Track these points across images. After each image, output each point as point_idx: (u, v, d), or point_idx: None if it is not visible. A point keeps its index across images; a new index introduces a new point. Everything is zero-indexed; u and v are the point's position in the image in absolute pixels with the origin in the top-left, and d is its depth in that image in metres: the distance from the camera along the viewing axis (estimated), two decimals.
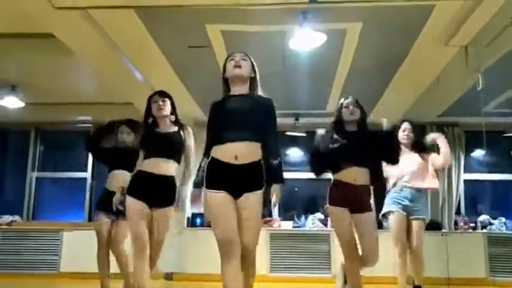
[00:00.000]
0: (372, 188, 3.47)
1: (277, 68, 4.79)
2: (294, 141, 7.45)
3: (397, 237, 4.08)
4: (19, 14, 3.79)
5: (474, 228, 6.51)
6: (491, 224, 6.50)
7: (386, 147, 3.61)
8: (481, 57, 4.25)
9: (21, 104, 6.02)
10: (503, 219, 6.48)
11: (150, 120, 3.46)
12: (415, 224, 4.13)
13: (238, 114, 2.66)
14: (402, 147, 4.20)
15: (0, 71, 5.38)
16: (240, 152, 2.58)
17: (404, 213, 4.12)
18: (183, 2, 3.46)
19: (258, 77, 2.83)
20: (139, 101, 5.58)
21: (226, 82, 2.82)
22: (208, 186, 2.60)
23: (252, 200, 2.60)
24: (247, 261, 2.63)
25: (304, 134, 7.12)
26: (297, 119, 6.83)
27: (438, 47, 4.25)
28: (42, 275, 6.34)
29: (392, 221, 4.14)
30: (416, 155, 4.27)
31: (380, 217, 4.28)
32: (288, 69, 4.91)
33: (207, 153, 2.70)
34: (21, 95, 5.88)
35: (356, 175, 3.34)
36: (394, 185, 4.22)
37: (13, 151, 7.80)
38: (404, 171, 4.17)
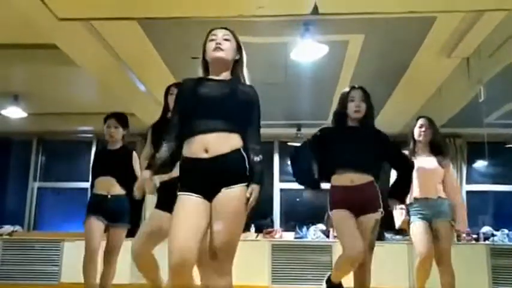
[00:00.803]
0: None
1: (279, 79, 4.81)
2: None
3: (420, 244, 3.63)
4: (22, 25, 3.80)
5: (477, 240, 6.48)
6: (493, 235, 6.47)
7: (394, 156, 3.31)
8: (483, 69, 4.26)
9: (24, 115, 6.04)
10: (506, 231, 6.46)
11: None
12: (440, 225, 3.62)
13: (209, 100, 2.22)
14: (417, 146, 3.80)
15: (3, 81, 5.41)
16: (211, 144, 2.14)
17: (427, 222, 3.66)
18: (186, 13, 3.48)
19: (244, 60, 2.39)
20: (142, 112, 5.63)
21: (206, 64, 2.36)
22: (179, 188, 2.18)
23: (229, 196, 2.12)
24: (215, 273, 2.13)
25: None
26: (299, 129, 6.84)
27: (440, 59, 4.27)
28: (42, 286, 6.31)
29: (414, 230, 3.68)
30: (433, 158, 3.77)
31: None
32: (290, 80, 4.93)
33: (169, 138, 2.28)
34: (24, 105, 5.90)
35: (352, 177, 3.04)
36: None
37: (15, 161, 7.79)
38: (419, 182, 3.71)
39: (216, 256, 2.10)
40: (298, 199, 7.34)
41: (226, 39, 2.32)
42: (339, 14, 3.50)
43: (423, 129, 3.78)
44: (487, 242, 6.40)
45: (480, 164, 7.25)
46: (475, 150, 6.87)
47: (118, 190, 3.77)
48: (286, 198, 7.23)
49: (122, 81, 4.83)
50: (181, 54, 4.32)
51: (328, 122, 6.41)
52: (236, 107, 2.24)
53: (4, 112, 5.94)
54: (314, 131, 6.89)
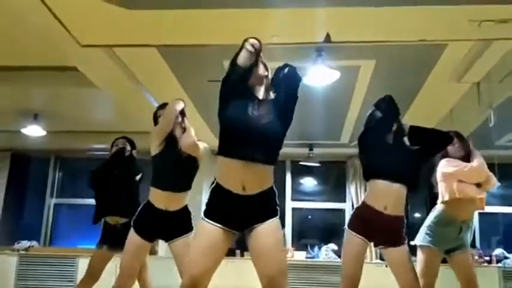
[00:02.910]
0: None
1: None
2: (308, 171, 7.52)
3: None
4: (46, 49, 3.98)
5: (489, 262, 6.44)
6: (506, 258, 6.41)
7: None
8: (493, 93, 4.30)
9: (43, 133, 6.21)
10: None
11: None
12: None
13: (253, 125, 2.16)
14: None
15: (24, 101, 5.60)
16: (249, 181, 2.12)
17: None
18: (202, 41, 3.62)
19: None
20: None
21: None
22: (205, 213, 2.19)
23: (269, 227, 2.16)
24: None
25: (318, 164, 7.20)
26: (311, 149, 6.93)
27: (450, 84, 4.34)
28: None
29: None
30: None
31: None
32: (303, 103, 4.99)
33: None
34: (43, 123, 6.06)
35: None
36: None
37: (33, 177, 7.96)
38: None
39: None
40: (310, 216, 7.38)
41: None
42: (351, 42, 3.60)
43: (457, 145, 3.51)
44: (499, 264, 6.35)
45: None
46: None
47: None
48: (298, 217, 7.29)
49: (140, 102, 4.96)
50: (197, 78, 4.45)
51: (340, 142, 6.58)
52: (276, 133, 2.20)
53: (24, 131, 6.10)
54: (326, 151, 7.02)
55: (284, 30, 3.41)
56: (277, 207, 2.24)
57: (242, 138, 2.14)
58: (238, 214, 2.14)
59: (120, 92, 4.80)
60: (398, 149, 2.98)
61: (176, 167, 3.03)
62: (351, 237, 2.91)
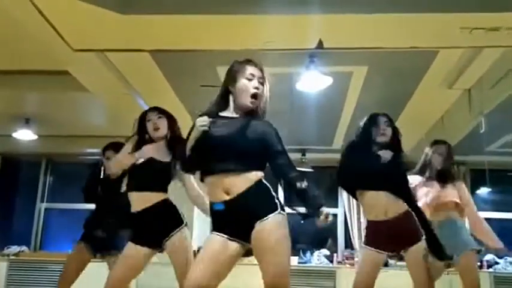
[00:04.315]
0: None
1: (285, 107, 4.91)
2: None
3: None
4: (37, 53, 3.96)
5: (480, 267, 6.46)
6: (497, 263, 6.46)
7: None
8: (484, 100, 4.34)
9: (34, 137, 6.17)
10: (509, 259, 6.42)
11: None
12: None
13: (224, 141, 2.14)
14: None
15: (16, 105, 5.56)
16: (230, 185, 2.09)
17: None
18: (196, 46, 3.61)
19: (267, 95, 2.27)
20: None
21: (227, 93, 2.25)
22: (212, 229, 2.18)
23: (265, 228, 2.05)
24: None
25: (311, 170, 7.19)
26: (303, 155, 6.93)
27: (442, 90, 4.38)
28: None
29: None
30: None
31: None
32: (295, 108, 5.03)
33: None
34: (34, 128, 6.03)
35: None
36: None
37: (23, 182, 7.90)
38: None
39: None
40: (302, 221, 7.38)
41: (260, 83, 2.21)
42: (343, 49, 3.62)
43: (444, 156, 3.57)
44: (490, 269, 6.39)
45: (483, 191, 7.28)
46: (478, 177, 6.89)
47: None
48: (290, 222, 7.24)
49: (132, 107, 4.93)
50: (190, 83, 4.45)
51: (333, 147, 6.60)
52: (250, 145, 2.13)
53: (15, 135, 6.07)
54: (319, 156, 7.03)
55: (277, 36, 3.42)
56: (276, 201, 2.12)
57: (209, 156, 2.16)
58: (234, 220, 2.10)
59: (113, 97, 4.79)
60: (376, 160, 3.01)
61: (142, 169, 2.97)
62: (365, 252, 3.02)
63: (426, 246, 2.93)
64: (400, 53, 3.76)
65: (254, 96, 2.17)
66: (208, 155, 2.14)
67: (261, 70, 2.24)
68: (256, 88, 2.18)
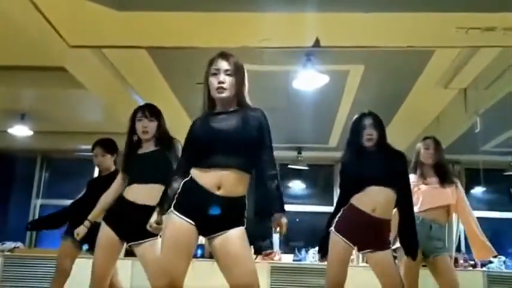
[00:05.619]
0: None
1: (281, 105, 4.93)
2: (296, 174, 7.54)
3: None
4: (33, 49, 3.92)
5: (474, 266, 6.51)
6: (490, 262, 6.49)
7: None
8: (479, 99, 4.36)
9: (30, 133, 6.15)
10: (503, 258, 6.47)
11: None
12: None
13: (223, 134, 2.18)
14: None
15: (11, 101, 5.53)
16: (224, 181, 2.14)
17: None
18: (192, 43, 3.61)
19: (246, 87, 2.32)
20: None
21: (210, 95, 2.28)
22: (175, 206, 2.16)
23: (235, 235, 2.15)
24: None
25: (306, 168, 7.21)
26: (299, 153, 6.95)
27: (437, 89, 4.40)
28: None
29: None
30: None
31: None
32: (292, 106, 5.04)
33: (178, 175, 2.27)
34: (30, 123, 6.01)
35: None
36: None
37: (19, 178, 7.87)
38: None
39: None
40: (297, 219, 7.40)
41: (228, 75, 2.22)
42: (340, 47, 3.62)
43: (430, 150, 3.59)
44: (484, 268, 6.42)
45: (478, 191, 7.32)
46: (473, 177, 6.93)
47: None
48: (287, 220, 7.24)
49: (128, 103, 4.92)
50: (186, 80, 4.44)
51: (328, 145, 6.62)
52: (249, 140, 2.19)
53: (10, 130, 6.04)
54: (315, 154, 7.04)
55: (274, 34, 3.42)
56: (245, 219, 2.23)
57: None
58: (209, 214, 2.12)
59: (109, 93, 4.78)
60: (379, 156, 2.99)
61: (142, 160, 2.99)
62: (335, 241, 2.91)
63: (398, 247, 2.98)
64: (397, 52, 3.78)
65: (219, 90, 2.21)
66: (210, 148, 2.17)
67: (229, 62, 2.25)
68: (221, 82, 2.21)
